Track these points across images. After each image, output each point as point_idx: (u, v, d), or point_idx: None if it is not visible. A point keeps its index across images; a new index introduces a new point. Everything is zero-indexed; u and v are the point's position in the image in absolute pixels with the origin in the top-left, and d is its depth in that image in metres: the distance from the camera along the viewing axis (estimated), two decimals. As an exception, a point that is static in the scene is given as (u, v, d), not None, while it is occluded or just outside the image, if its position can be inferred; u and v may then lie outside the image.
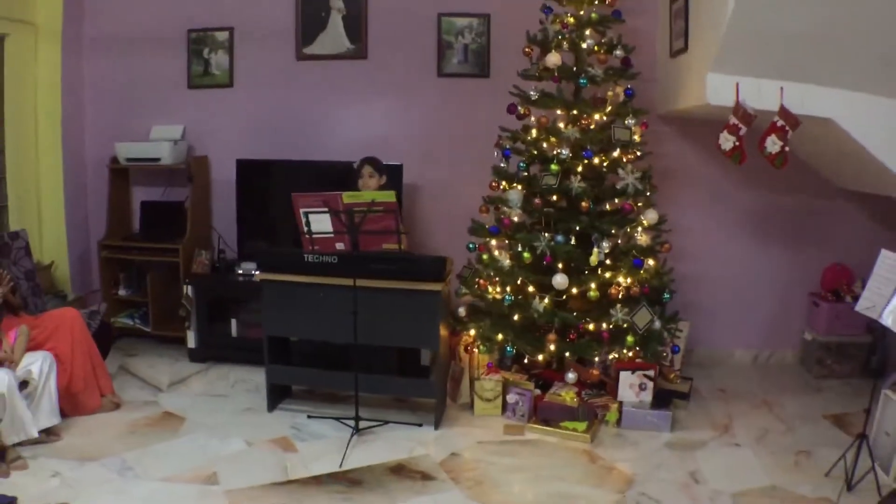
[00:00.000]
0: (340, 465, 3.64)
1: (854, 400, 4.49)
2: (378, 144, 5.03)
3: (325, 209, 3.75)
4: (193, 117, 5.33)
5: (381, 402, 4.37)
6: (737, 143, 3.85)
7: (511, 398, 4.26)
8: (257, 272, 4.86)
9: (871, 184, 4.32)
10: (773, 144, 3.81)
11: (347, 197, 3.73)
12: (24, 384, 3.70)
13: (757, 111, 3.83)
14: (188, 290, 4.97)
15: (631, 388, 4.25)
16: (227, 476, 3.53)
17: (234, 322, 5.07)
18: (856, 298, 4.74)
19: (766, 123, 3.85)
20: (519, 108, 4.33)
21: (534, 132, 4.24)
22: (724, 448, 3.91)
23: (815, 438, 4.01)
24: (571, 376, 4.04)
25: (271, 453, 3.79)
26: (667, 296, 4.18)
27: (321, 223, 3.82)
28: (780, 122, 3.82)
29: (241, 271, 5.08)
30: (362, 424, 3.99)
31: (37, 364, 3.79)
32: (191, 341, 5.04)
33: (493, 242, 4.32)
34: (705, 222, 5.05)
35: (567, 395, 4.17)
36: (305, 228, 3.81)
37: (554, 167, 4.00)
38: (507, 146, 4.31)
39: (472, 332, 4.29)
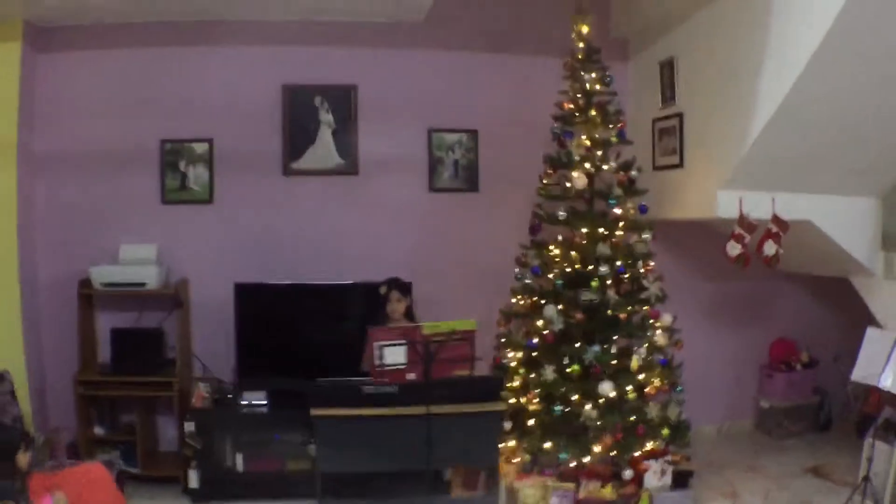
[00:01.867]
0: None
1: (819, 453, 5.47)
2: (373, 262, 5.25)
3: (403, 341, 4.01)
4: (168, 236, 5.17)
5: None
6: (743, 250, 4.68)
7: (554, 501, 4.67)
8: (264, 402, 4.97)
9: (821, 267, 5.31)
10: (769, 248, 4.66)
11: (429, 328, 4.01)
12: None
13: (757, 220, 4.69)
14: (190, 426, 4.85)
15: (654, 474, 4.90)
16: None
17: (239, 456, 4.97)
18: (805, 366, 5.86)
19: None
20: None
21: (557, 249, 4.74)
22: None
23: (808, 489, 4.88)
24: (629, 473, 4.58)
25: None
26: (679, 388, 4.89)
27: (395, 355, 4.05)
28: (774, 229, 4.67)
29: (244, 402, 5.00)
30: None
31: None
32: (193, 481, 4.85)
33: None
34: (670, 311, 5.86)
35: (606, 490, 4.73)
36: (378, 362, 4.02)
37: (594, 284, 4.56)
38: (536, 263, 4.80)
39: (513, 443, 4.71)
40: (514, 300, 5.02)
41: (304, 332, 5.13)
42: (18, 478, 3.51)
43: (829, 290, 5.95)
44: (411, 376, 4.09)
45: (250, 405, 4.99)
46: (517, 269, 4.94)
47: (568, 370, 4.53)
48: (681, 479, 4.84)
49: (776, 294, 5.98)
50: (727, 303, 5.88)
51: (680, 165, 5.06)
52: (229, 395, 5.01)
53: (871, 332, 4.37)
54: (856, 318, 6.06)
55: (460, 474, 4.88)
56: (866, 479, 4.29)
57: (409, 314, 4.77)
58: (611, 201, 4.70)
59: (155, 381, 4.92)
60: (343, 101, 5.28)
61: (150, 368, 4.96)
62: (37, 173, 5.10)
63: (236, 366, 5.11)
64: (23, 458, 3.52)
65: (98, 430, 5.04)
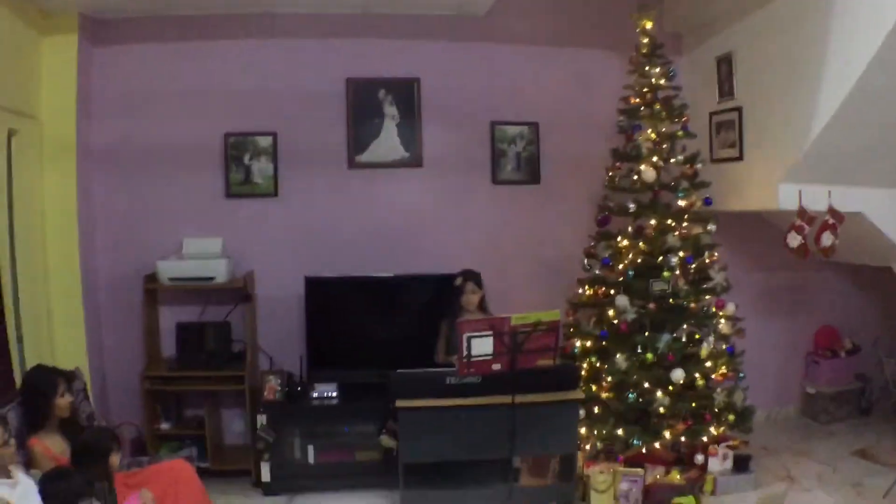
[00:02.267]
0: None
1: (863, 436, 5.68)
2: (438, 254, 5.37)
3: (490, 332, 4.12)
4: (232, 230, 5.23)
5: None
6: (803, 242, 4.86)
7: (624, 486, 4.82)
8: (334, 394, 5.05)
9: (867, 257, 5.48)
10: (827, 239, 4.83)
11: (516, 319, 4.11)
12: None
13: (815, 212, 4.87)
14: (263, 420, 4.92)
15: (717, 459, 5.07)
16: None
17: (310, 449, 5.06)
18: (848, 353, 6.07)
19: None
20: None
21: (625, 241, 4.88)
22: (802, 494, 4.80)
23: (858, 471, 5.08)
24: (700, 458, 4.76)
25: None
26: (742, 375, 5.07)
27: (482, 347, 4.16)
28: (831, 220, 4.85)
29: (315, 395, 5.09)
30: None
31: None
32: (265, 474, 4.93)
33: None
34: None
35: (675, 475, 4.90)
36: (465, 353, 4.13)
37: (666, 274, 4.71)
38: (607, 254, 4.94)
39: (583, 430, 4.85)
40: (580, 290, 5.18)
41: (373, 325, 5.23)
42: (109, 479, 3.58)
43: (869, 279, 6.16)
44: (497, 367, 4.20)
45: (321, 398, 5.07)
46: (585, 261, 5.09)
47: (643, 358, 4.68)
48: (741, 463, 5.02)
49: (820, 284, 6.15)
50: (774, 293, 6.05)
51: (739, 158, 5.21)
52: (300, 388, 5.09)
53: None
54: (893, 304, 6.34)
55: (529, 463, 5.02)
56: None
57: (482, 305, 4.87)
58: (679, 193, 4.84)
59: (225, 375, 4.98)
60: (406, 94, 5.35)
61: (217, 362, 5.03)
62: (97, 169, 5.13)
63: (307, 358, 5.17)
64: (115, 459, 3.60)
65: (164, 426, 5.08)
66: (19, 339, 4.40)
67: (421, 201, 5.48)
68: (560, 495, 4.58)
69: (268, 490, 4.94)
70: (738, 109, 5.20)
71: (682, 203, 4.93)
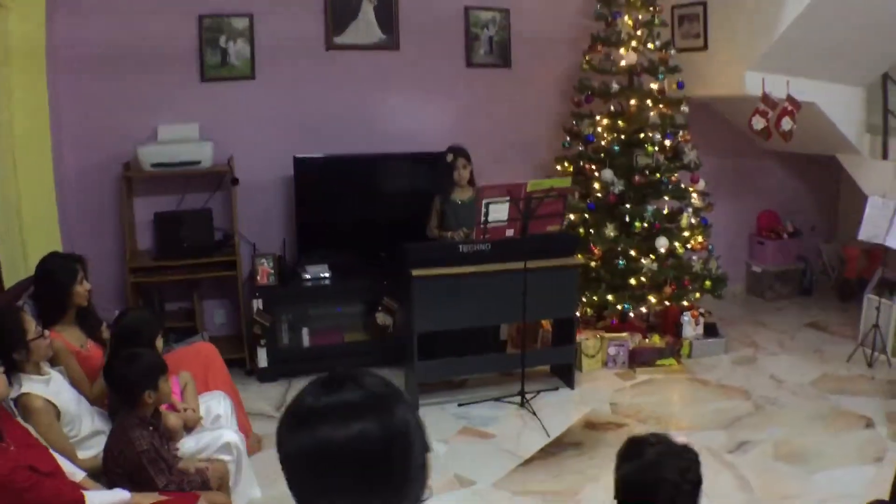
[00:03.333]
0: (549, 436, 4.28)
1: (810, 312, 6.33)
2: (414, 135, 5.47)
3: (507, 198, 4.32)
4: (209, 114, 5.10)
5: (485, 381, 4.97)
6: (766, 125, 5.31)
7: (612, 350, 5.23)
8: (327, 275, 5.13)
9: (815, 146, 6.01)
10: (787, 124, 5.30)
11: (532, 185, 4.33)
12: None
13: (778, 99, 5.32)
14: (259, 304, 4.94)
15: (689, 325, 5.54)
16: (481, 478, 3.85)
17: (305, 332, 5.14)
18: (790, 236, 6.69)
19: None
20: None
21: (606, 120, 5.22)
22: (768, 358, 5.38)
23: (814, 340, 5.72)
24: (688, 318, 5.26)
25: (476, 444, 4.20)
26: (711, 247, 5.53)
27: (499, 212, 4.36)
28: (789, 107, 5.33)
29: (308, 276, 5.14)
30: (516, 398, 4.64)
31: (222, 411, 3.59)
32: (262, 360, 4.97)
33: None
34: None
35: (655, 339, 5.33)
36: (483, 218, 4.33)
37: (650, 149, 5.04)
38: (590, 132, 5.22)
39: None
40: (558, 168, 5.48)
41: (362, 205, 5.31)
42: None
43: (808, 169, 6.78)
44: (510, 233, 4.44)
45: (315, 279, 5.14)
46: (568, 138, 5.40)
47: (632, 228, 5.04)
48: (711, 330, 5.53)
49: (763, 171, 6.70)
50: (721, 177, 6.49)
51: (704, 48, 5.59)
52: (292, 271, 5.14)
53: (872, 199, 5.13)
54: (828, 194, 7.02)
55: (514, 334, 5.31)
56: (875, 326, 5.12)
57: (472, 180, 5.03)
58: (659, 77, 5.15)
59: (214, 261, 4.95)
60: (383, -25, 5.37)
61: (200, 251, 4.96)
62: (67, 60, 4.83)
63: (296, 241, 5.22)
64: (160, 343, 3.45)
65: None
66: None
67: (398, 83, 5.54)
68: (561, 357, 4.92)
69: (264, 377, 5.00)
70: (704, 3, 5.55)
71: (654, 86, 5.25)
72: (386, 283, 5.13)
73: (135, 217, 5.09)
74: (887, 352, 5.17)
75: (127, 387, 2.88)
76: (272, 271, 5.04)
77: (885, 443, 4.14)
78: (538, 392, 4.76)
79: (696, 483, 1.98)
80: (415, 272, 4.41)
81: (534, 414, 4.48)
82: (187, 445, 3.19)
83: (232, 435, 3.32)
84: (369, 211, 5.33)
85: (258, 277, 5.01)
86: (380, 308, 5.13)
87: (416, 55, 5.54)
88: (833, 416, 4.49)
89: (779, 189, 6.79)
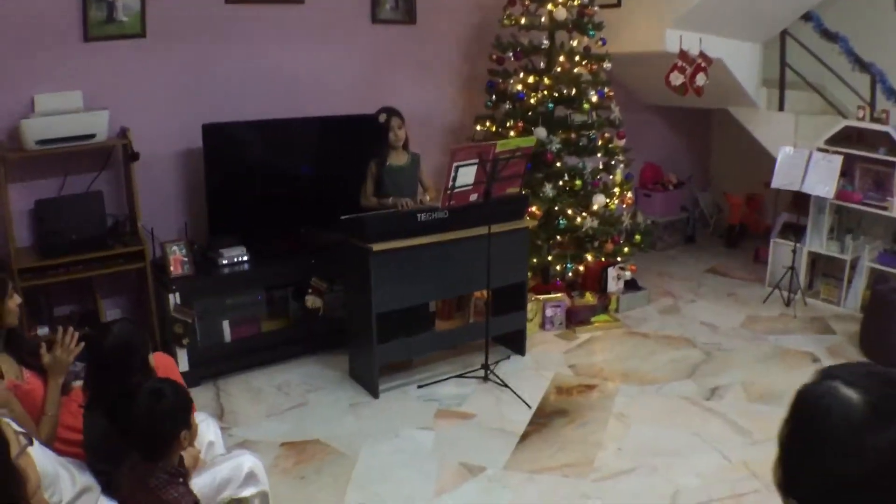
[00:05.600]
0: (530, 407, 4.21)
1: (702, 258, 6.79)
2: (322, 97, 5.16)
3: (476, 160, 4.11)
4: (94, 80, 4.39)
5: (430, 358, 4.80)
6: (684, 80, 5.52)
7: (549, 312, 5.26)
8: (245, 258, 4.66)
9: (712, 100, 6.29)
10: (701, 79, 5.53)
11: (501, 145, 4.15)
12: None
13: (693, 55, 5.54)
14: (175, 298, 4.35)
15: (612, 280, 5.69)
16: (489, 462, 3.71)
17: (226, 325, 4.62)
18: (675, 187, 7.09)
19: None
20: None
21: (531, 78, 5.17)
22: (689, 305, 5.72)
23: (721, 284, 6.15)
24: (627, 273, 5.39)
25: (462, 427, 4.03)
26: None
27: (466, 176, 4.15)
28: (703, 64, 5.57)
29: (224, 261, 4.62)
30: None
31: (213, 435, 3.09)
32: (183, 363, 4.39)
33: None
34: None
35: (588, 297, 5.42)
36: (451, 183, 4.10)
37: (586, 106, 5.05)
38: (519, 89, 5.12)
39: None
40: (478, 127, 5.37)
41: (276, 177, 4.89)
42: None
43: (684, 122, 7.21)
44: (474, 197, 4.26)
45: (232, 264, 4.66)
46: (493, 97, 5.30)
47: (572, 186, 5.06)
48: (630, 284, 5.73)
49: (644, 125, 7.02)
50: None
51: (618, 5, 5.72)
52: (212, 254, 4.63)
53: (783, 149, 5.55)
54: (701, 146, 7.51)
55: (441, 305, 5.14)
56: (791, 268, 5.60)
57: (406, 144, 4.76)
58: (591, 33, 5.17)
59: (116, 253, 4.32)
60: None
61: (95, 243, 4.31)
62: None
63: (208, 221, 4.68)
64: (152, 361, 2.90)
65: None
66: None
67: (303, 41, 5.12)
68: (515, 323, 4.84)
69: (188, 382, 4.30)
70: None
71: (574, 43, 5.26)
72: (313, 262, 4.77)
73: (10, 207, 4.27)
74: (801, 292, 5.67)
75: (161, 432, 2.33)
76: (186, 259, 4.47)
77: (839, 374, 4.53)
78: (497, 362, 4.68)
79: None
80: (375, 247, 4.11)
81: (505, 385, 4.40)
82: (201, 485, 2.65)
83: (253, 460, 2.87)
84: (285, 183, 4.92)
85: (171, 268, 4.42)
86: (309, 290, 4.76)
87: (321, 9, 5.14)
88: (779, 355, 4.85)
89: (660, 143, 7.15)
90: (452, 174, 4.05)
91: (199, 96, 4.77)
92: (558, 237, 5.24)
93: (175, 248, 4.45)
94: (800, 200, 5.70)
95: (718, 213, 7.35)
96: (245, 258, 4.70)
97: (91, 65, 4.42)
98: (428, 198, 4.78)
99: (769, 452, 3.39)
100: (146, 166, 4.54)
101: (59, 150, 4.15)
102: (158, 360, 3.34)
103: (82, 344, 2.92)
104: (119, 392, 2.45)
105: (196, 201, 4.84)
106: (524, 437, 3.93)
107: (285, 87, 5.08)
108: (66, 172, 4.41)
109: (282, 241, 4.90)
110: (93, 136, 4.18)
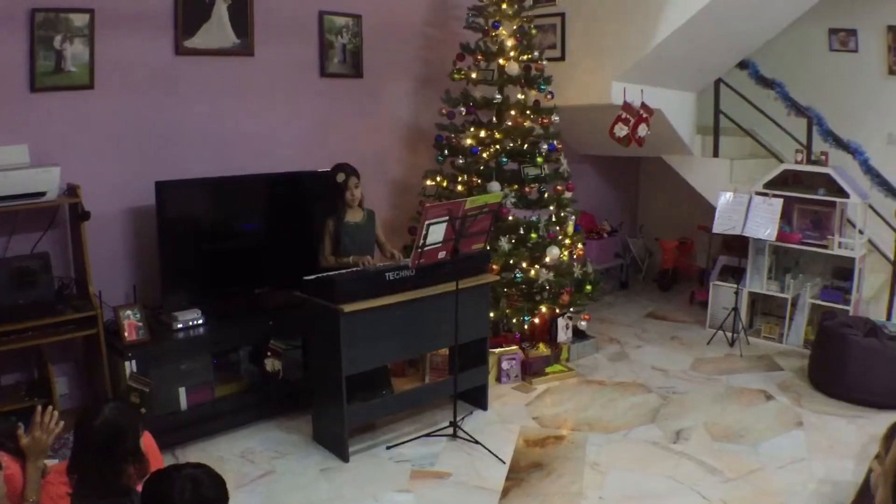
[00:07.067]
0: (505, 462, 4.25)
1: (638, 303, 7.08)
2: (271, 151, 5.18)
3: (447, 217, 4.17)
4: (39, 132, 4.22)
5: (395, 417, 4.79)
6: (628, 132, 5.77)
7: (505, 365, 5.35)
8: (200, 321, 4.55)
9: (649, 149, 6.58)
10: (643, 130, 5.81)
11: (470, 202, 4.23)
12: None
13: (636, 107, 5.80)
14: (132, 366, 4.17)
15: (562, 330, 5.82)
16: None
17: (182, 392, 4.47)
18: (609, 235, 7.35)
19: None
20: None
21: (482, 132, 5.32)
22: (636, 351, 5.95)
23: (663, 329, 6.42)
24: (583, 323, 5.52)
25: (440, 488, 4.02)
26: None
27: (436, 234, 4.19)
28: (644, 115, 5.83)
29: (180, 325, 4.48)
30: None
31: None
32: (141, 436, 4.20)
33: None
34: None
35: (541, 348, 5.54)
36: (422, 241, 4.13)
37: (540, 160, 5.21)
38: (475, 145, 5.24)
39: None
40: (429, 182, 5.47)
41: (229, 236, 4.84)
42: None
43: (614, 172, 7.52)
44: (442, 254, 4.32)
45: (187, 328, 4.52)
46: (445, 151, 5.42)
47: (527, 239, 5.20)
48: (578, 332, 5.90)
49: (576, 174, 7.24)
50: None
51: (562, 59, 5.98)
52: (165, 318, 4.49)
53: (723, 195, 5.90)
54: (629, 194, 7.83)
55: (398, 364, 5.13)
56: (735, 309, 5.92)
57: (361, 202, 4.80)
58: (541, 87, 5.37)
59: (70, 319, 4.12)
60: (237, -27, 4.87)
61: (43, 308, 4.11)
62: None
63: (160, 282, 4.55)
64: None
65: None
66: None
67: (253, 94, 5.11)
68: (478, 378, 4.88)
69: None
70: (562, 15, 5.95)
71: (521, 96, 5.44)
72: (271, 324, 4.70)
73: (-58, 272, 4.03)
74: (743, 332, 6.00)
75: None
76: (140, 324, 4.32)
77: (794, 409, 4.85)
78: (462, 418, 4.70)
79: None
80: (346, 308, 4.09)
81: (476, 442, 4.42)
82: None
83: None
84: (239, 241, 4.88)
85: (126, 334, 4.26)
86: (268, 353, 4.68)
87: (272, 62, 5.15)
88: (733, 394, 5.11)
89: (592, 192, 7.43)
90: (423, 232, 4.11)
91: (148, 151, 4.68)
92: (514, 290, 5.34)
93: (129, 312, 4.30)
94: (734, 243, 6.04)
95: (650, 259, 7.67)
96: (200, 321, 4.58)
97: (38, 117, 4.26)
98: (389, 254, 4.81)
99: (744, 490, 3.62)
100: (93, 225, 4.38)
101: (5, 209, 3.95)
102: (145, 440, 3.24)
103: (62, 423, 2.80)
104: (109, 477, 2.37)
105: (146, 262, 4.70)
106: (505, 493, 3.96)
107: (237, 141, 5.05)
108: (10, 232, 4.21)
109: (237, 301, 4.81)
110: (43, 193, 4.01)
